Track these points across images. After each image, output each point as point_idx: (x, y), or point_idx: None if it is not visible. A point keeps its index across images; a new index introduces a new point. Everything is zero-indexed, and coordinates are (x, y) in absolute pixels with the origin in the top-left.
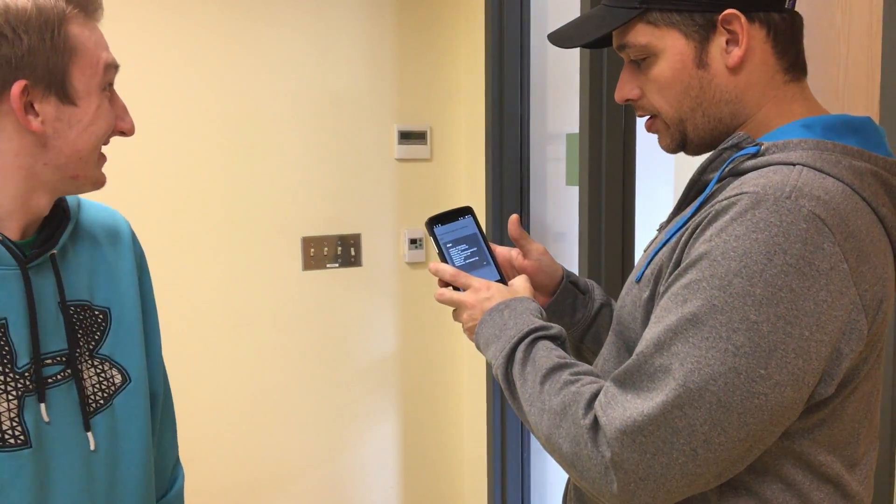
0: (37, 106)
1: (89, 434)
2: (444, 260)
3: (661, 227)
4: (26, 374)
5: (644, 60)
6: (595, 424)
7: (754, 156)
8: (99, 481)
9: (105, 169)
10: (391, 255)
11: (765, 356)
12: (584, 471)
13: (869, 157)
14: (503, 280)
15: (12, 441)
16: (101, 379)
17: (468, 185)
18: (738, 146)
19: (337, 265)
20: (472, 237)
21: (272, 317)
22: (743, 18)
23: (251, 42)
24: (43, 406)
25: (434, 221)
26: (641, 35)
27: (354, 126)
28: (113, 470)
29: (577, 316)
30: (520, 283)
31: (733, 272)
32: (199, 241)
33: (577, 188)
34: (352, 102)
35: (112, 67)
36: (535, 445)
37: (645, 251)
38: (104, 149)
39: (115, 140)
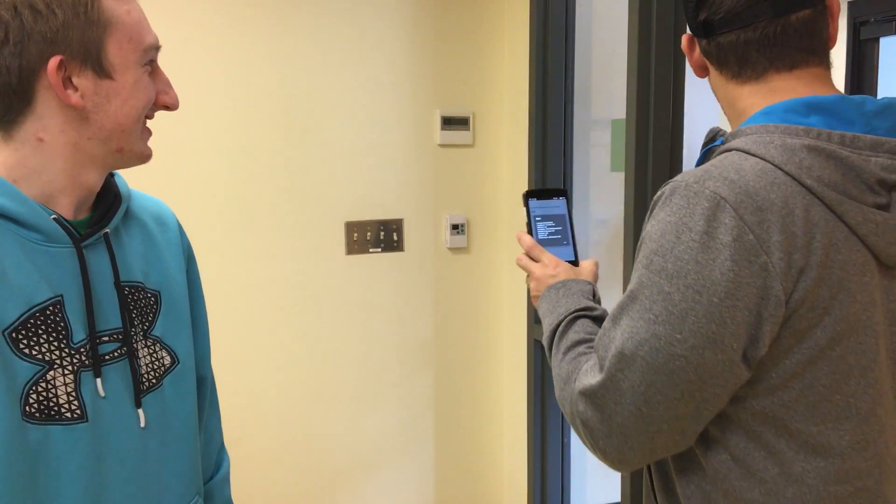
0: (75, 80)
1: (140, 411)
2: (529, 231)
3: None
4: (82, 349)
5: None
6: (577, 390)
7: (720, 146)
8: (150, 459)
9: (153, 153)
10: (433, 240)
11: (679, 322)
12: (576, 428)
13: (808, 133)
14: (576, 261)
15: (69, 415)
16: (153, 359)
17: (511, 172)
18: (712, 139)
19: (380, 250)
20: (560, 217)
21: (315, 300)
22: (686, 41)
23: (298, 28)
24: (99, 381)
25: (530, 195)
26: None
27: (397, 112)
28: (163, 448)
29: None
30: (586, 266)
31: (653, 251)
32: (245, 225)
33: (622, 174)
34: (395, 88)
35: (153, 49)
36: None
37: None
38: (150, 124)
39: (164, 124)
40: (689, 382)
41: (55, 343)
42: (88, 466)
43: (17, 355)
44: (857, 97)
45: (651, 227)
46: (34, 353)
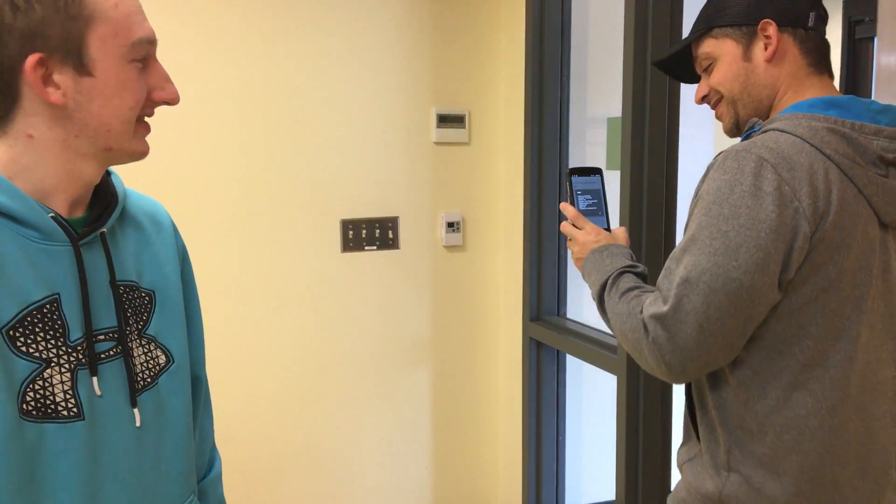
0: (56, 78)
1: (136, 410)
2: (571, 202)
3: None
4: (79, 347)
5: (709, 67)
6: (643, 318)
7: (759, 132)
8: (146, 457)
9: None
10: (428, 238)
11: (734, 252)
12: (642, 351)
13: (827, 120)
14: (609, 229)
15: (65, 413)
16: (147, 358)
17: (506, 169)
18: (751, 127)
19: (375, 248)
20: (595, 191)
21: (310, 298)
22: (774, 26)
23: (293, 26)
24: (95, 380)
25: (573, 172)
26: (707, 47)
27: (393, 109)
28: (158, 447)
29: None
30: (620, 233)
31: (711, 202)
32: (240, 222)
33: (618, 172)
34: (390, 86)
35: (145, 43)
36: (570, 427)
37: None
38: (151, 119)
39: (160, 121)
40: (741, 301)
41: (52, 341)
42: (84, 464)
43: (14, 353)
44: (865, 99)
45: (707, 185)
46: (31, 350)
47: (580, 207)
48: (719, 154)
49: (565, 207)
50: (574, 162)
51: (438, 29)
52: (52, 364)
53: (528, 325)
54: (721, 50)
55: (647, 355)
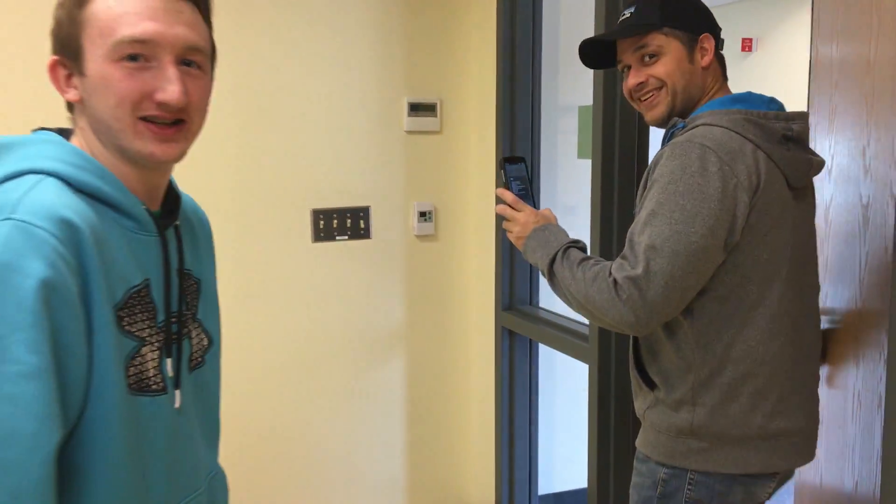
0: (73, 78)
1: (191, 384)
2: (507, 188)
3: None
4: (162, 329)
5: (654, 56)
6: (614, 281)
7: (682, 129)
8: (204, 428)
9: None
10: (400, 227)
11: (691, 221)
12: (609, 310)
13: (740, 112)
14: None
15: (155, 387)
16: (198, 339)
17: (478, 158)
18: (674, 124)
19: (346, 237)
20: (523, 178)
21: (281, 288)
22: (712, 40)
23: (263, 14)
24: (168, 361)
25: (507, 160)
26: (658, 41)
27: (364, 98)
28: (209, 420)
29: None
30: (550, 213)
31: (667, 182)
32: (210, 213)
33: (588, 161)
34: (362, 74)
35: (130, 42)
36: (543, 418)
37: None
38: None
39: None
40: (698, 260)
41: (147, 322)
42: (168, 435)
43: (121, 332)
44: (757, 93)
45: (659, 171)
46: (133, 330)
47: (515, 192)
48: (664, 148)
49: (503, 192)
50: (546, 151)
51: (410, 17)
52: (146, 343)
53: (501, 315)
54: (670, 47)
55: (615, 312)
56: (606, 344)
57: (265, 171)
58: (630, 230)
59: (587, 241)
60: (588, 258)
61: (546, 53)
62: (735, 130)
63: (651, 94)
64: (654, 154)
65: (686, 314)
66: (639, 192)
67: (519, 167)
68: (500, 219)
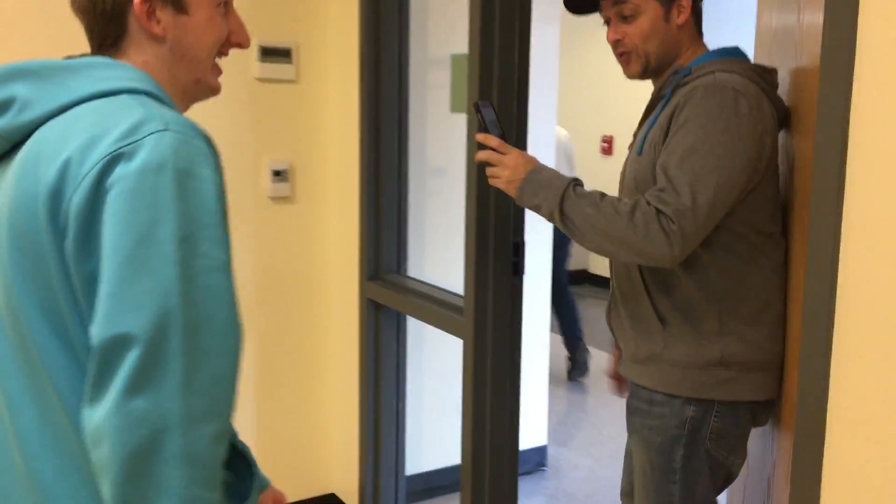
0: (158, 13)
1: None
2: (486, 132)
3: (636, 132)
4: None
5: (630, 16)
6: (658, 212)
7: (686, 76)
8: None
9: None
10: (251, 188)
11: (731, 156)
12: (651, 241)
13: (742, 63)
14: None
15: None
16: None
17: (340, 111)
18: (676, 72)
19: None
20: (494, 122)
21: None
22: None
23: None
24: None
25: (481, 104)
26: (635, 0)
27: None
28: None
29: None
30: (530, 154)
31: (705, 120)
32: None
33: (463, 116)
34: None
35: None
36: (411, 392)
37: (630, 146)
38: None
39: None
40: (734, 194)
41: None
42: None
43: None
44: (735, 46)
45: (691, 111)
46: None
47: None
48: (695, 87)
49: (486, 138)
50: (414, 105)
51: None
52: None
53: (366, 285)
54: (647, 6)
55: (657, 244)
56: (482, 317)
57: None
58: (661, 163)
59: (461, 207)
60: (603, 193)
61: None
62: (748, 78)
63: (625, 53)
64: (670, 97)
65: (705, 246)
66: (645, 132)
67: (491, 111)
68: (365, 178)
